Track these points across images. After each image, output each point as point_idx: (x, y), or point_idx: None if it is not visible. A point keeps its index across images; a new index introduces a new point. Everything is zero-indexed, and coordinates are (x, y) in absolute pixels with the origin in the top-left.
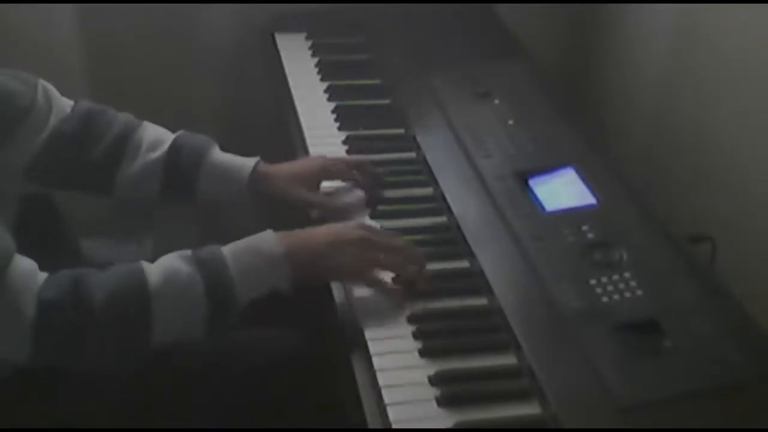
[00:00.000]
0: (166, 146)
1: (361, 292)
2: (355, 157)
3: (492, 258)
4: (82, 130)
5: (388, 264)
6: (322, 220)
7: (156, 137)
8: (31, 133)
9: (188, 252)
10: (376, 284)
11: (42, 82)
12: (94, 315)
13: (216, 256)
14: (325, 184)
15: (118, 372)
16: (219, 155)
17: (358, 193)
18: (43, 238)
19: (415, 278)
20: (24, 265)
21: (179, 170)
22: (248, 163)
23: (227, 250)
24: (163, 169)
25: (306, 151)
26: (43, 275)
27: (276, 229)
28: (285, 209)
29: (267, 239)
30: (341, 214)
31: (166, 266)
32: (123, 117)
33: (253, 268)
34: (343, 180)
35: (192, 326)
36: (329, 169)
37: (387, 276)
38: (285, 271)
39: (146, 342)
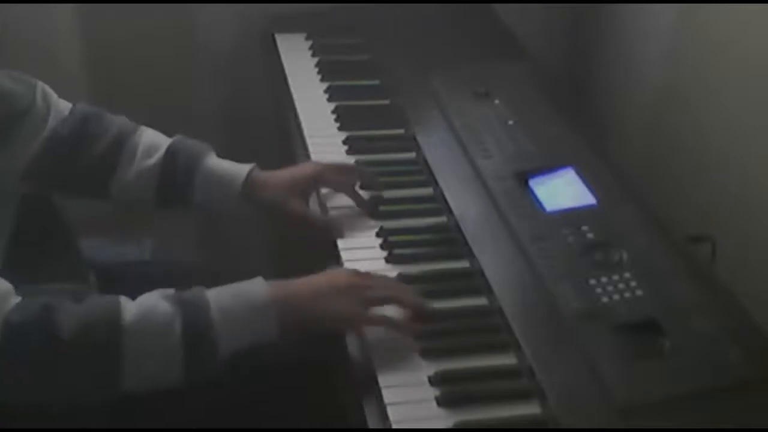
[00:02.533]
0: (161, 152)
1: None
2: (352, 165)
3: (492, 258)
4: (78, 134)
5: (386, 299)
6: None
7: (152, 143)
8: (30, 135)
9: (171, 291)
10: (377, 324)
11: (41, 84)
12: (61, 344)
13: (198, 297)
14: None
15: None
16: (214, 161)
17: (356, 208)
18: (43, 238)
19: (418, 311)
20: None
21: (174, 177)
22: (243, 169)
23: (212, 292)
24: (158, 176)
25: (306, 151)
26: (16, 298)
27: (273, 234)
28: (281, 216)
29: (255, 286)
30: (334, 229)
31: (145, 303)
32: (119, 121)
33: (237, 313)
34: (337, 189)
35: (167, 370)
36: (323, 175)
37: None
38: (270, 320)
39: (115, 381)
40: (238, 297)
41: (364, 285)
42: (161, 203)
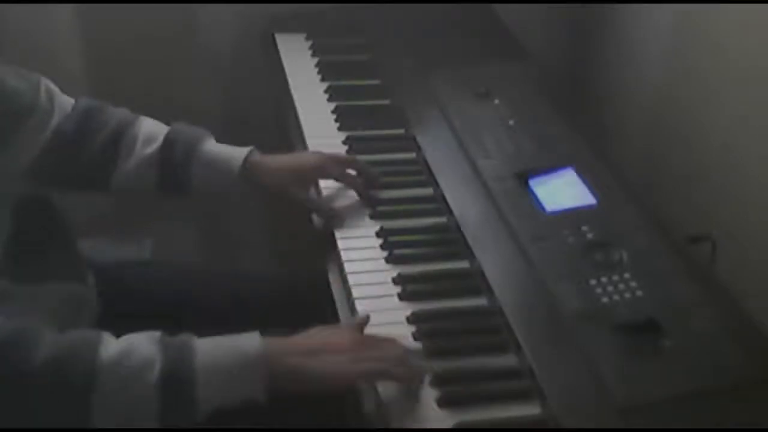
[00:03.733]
0: (159, 140)
1: (360, 292)
2: (352, 158)
3: (492, 258)
4: (81, 129)
5: (380, 373)
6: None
7: (151, 131)
8: (34, 132)
9: (158, 334)
10: (369, 380)
11: (44, 80)
12: (31, 372)
13: (185, 343)
14: (323, 183)
15: None
16: (212, 145)
17: (354, 196)
18: (43, 238)
19: (408, 379)
20: None
21: (173, 162)
22: (241, 152)
23: (201, 341)
24: (158, 163)
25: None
26: None
27: (275, 228)
28: (281, 201)
29: (249, 339)
30: (336, 217)
31: (127, 342)
32: (119, 113)
33: (223, 365)
34: (339, 179)
35: (140, 414)
36: (326, 166)
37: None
38: (259, 377)
39: (84, 420)
40: (229, 348)
41: (361, 350)
42: (163, 190)
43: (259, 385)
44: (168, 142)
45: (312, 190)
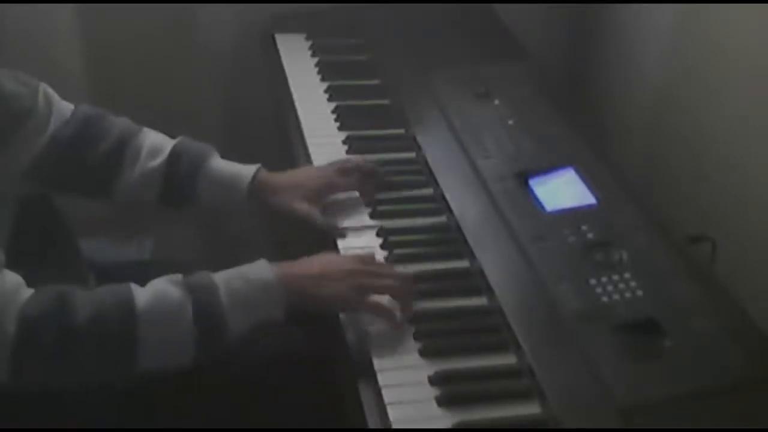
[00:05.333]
0: (165, 153)
1: None
2: (356, 160)
3: (492, 258)
4: (80, 135)
5: (381, 288)
6: (325, 239)
7: (155, 144)
8: (32, 136)
9: (178, 276)
10: (372, 310)
11: (43, 85)
12: (77, 334)
13: (207, 282)
14: None
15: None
16: (218, 163)
17: (360, 207)
18: (43, 238)
19: (403, 307)
20: (9, 280)
21: (178, 178)
22: (248, 171)
23: (219, 276)
24: (163, 177)
25: (306, 151)
26: (29, 291)
27: (278, 236)
28: (287, 218)
29: (259, 268)
30: (342, 232)
31: (156, 290)
32: (122, 122)
33: (245, 295)
34: (348, 189)
35: (179, 352)
36: (333, 183)
37: (382, 299)
38: (278, 299)
39: (130, 366)
40: (246, 279)
41: (364, 272)
42: (165, 203)
43: (278, 307)
44: (174, 155)
45: (318, 209)
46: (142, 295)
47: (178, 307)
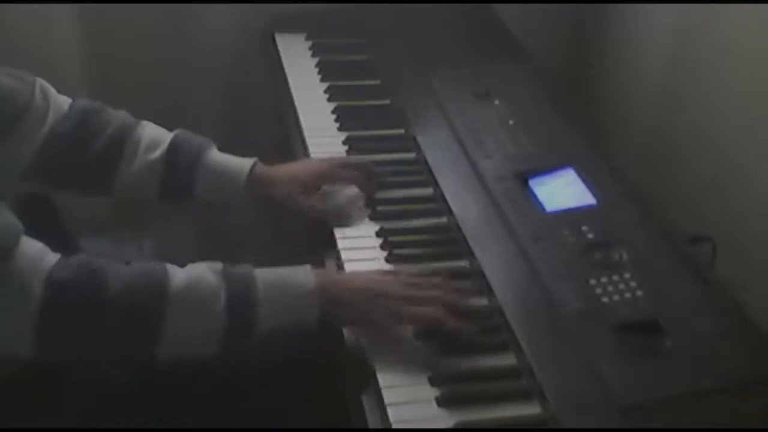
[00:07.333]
0: (164, 146)
1: None
2: (356, 160)
3: (492, 258)
4: (79, 130)
5: (418, 321)
6: (320, 223)
7: (154, 137)
8: (29, 132)
9: (219, 264)
10: (395, 341)
11: (39, 80)
12: (106, 304)
13: (247, 275)
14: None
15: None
16: (216, 156)
17: (358, 196)
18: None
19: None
20: (33, 246)
21: (177, 171)
22: (246, 164)
23: (260, 270)
24: (162, 170)
25: (306, 151)
26: (55, 256)
27: (275, 228)
28: (285, 211)
29: (302, 272)
30: (341, 220)
31: (192, 273)
32: (120, 116)
33: (283, 295)
34: (347, 182)
35: (204, 341)
36: (332, 173)
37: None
38: (313, 304)
39: (153, 346)
40: (284, 278)
41: (406, 298)
42: (164, 197)
43: (311, 313)
44: (172, 148)
45: (315, 199)
46: (178, 276)
47: (212, 294)
